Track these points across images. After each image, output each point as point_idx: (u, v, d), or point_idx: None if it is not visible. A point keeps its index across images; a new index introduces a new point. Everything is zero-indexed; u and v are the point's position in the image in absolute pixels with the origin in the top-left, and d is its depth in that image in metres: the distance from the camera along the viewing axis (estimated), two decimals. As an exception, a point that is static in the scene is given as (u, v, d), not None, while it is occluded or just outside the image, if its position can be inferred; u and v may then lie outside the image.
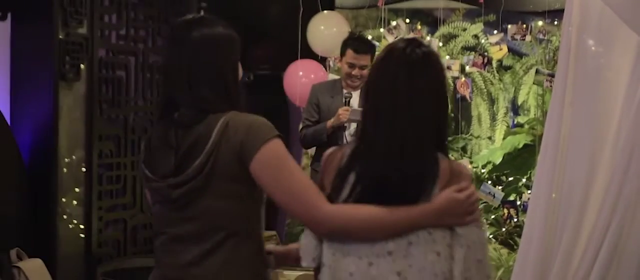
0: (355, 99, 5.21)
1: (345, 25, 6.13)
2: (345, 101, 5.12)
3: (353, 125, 5.02)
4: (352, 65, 5.19)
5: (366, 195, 2.29)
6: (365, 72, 5.20)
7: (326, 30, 5.98)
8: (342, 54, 5.26)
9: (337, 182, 2.35)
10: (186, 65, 2.38)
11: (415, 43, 2.43)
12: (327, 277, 2.31)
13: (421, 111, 2.33)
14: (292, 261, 2.50)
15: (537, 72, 8.16)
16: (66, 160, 5.34)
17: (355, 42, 5.28)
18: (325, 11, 6.01)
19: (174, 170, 2.35)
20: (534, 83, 8.24)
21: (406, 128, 2.31)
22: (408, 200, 2.27)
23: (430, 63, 2.41)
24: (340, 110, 5.07)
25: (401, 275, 2.23)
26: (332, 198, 2.32)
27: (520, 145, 8.31)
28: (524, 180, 7.92)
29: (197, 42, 2.42)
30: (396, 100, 2.33)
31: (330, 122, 5.17)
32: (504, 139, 8.61)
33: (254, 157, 2.28)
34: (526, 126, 8.61)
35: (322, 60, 6.32)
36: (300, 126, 5.53)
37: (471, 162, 6.83)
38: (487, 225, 7.36)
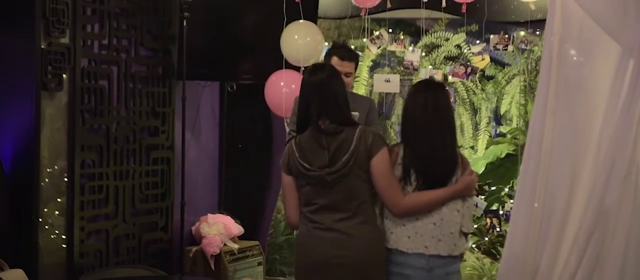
0: None
1: (319, 34, 6.13)
2: None
3: None
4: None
5: (424, 184, 3.78)
6: (350, 79, 5.20)
7: (300, 40, 5.97)
8: (327, 60, 5.26)
9: (404, 176, 3.81)
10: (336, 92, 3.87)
11: (432, 80, 4.27)
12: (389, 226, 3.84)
13: (447, 124, 3.83)
14: None
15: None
16: (48, 170, 5.32)
17: (340, 50, 5.28)
18: (300, 21, 6.00)
19: (328, 163, 3.76)
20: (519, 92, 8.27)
21: (440, 136, 3.79)
22: (446, 183, 3.78)
23: (444, 91, 3.91)
24: None
25: (436, 224, 3.78)
26: (403, 187, 3.80)
27: (503, 155, 8.34)
28: (506, 189, 7.94)
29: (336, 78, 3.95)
30: (429, 117, 3.79)
31: None
32: (486, 148, 8.63)
33: (375, 156, 3.76)
34: (508, 136, 8.63)
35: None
36: (287, 137, 5.51)
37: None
38: (470, 235, 7.38)
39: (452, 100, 7.20)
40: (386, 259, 3.81)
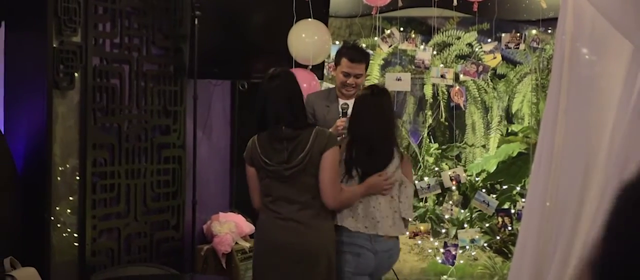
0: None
1: (327, 32, 6.12)
2: (343, 112, 5.10)
3: None
4: (347, 75, 5.18)
5: (364, 176, 4.39)
6: (360, 80, 5.19)
7: (307, 38, 5.97)
8: (337, 63, 5.24)
9: (347, 170, 4.43)
10: (291, 99, 4.25)
11: (377, 87, 4.86)
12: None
13: (386, 126, 4.51)
14: None
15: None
16: (60, 168, 5.33)
17: (351, 52, 5.26)
18: (308, 19, 6.00)
19: (286, 159, 4.18)
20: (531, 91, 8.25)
21: (377, 137, 4.46)
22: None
23: (385, 95, 4.58)
24: (338, 122, 5.05)
25: (375, 208, 4.40)
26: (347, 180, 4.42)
27: (515, 154, 8.33)
28: (518, 188, 7.93)
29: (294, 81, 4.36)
30: (371, 122, 4.45)
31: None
32: (498, 147, 8.63)
33: (326, 151, 4.17)
34: (520, 134, 8.63)
35: (319, 68, 6.31)
36: None
37: (465, 171, 6.83)
38: (481, 234, 7.37)
39: (463, 99, 7.18)
40: (338, 239, 4.37)
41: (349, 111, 5.00)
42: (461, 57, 8.55)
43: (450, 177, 6.60)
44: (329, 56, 6.62)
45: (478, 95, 8.73)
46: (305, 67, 6.01)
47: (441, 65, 8.06)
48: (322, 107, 5.35)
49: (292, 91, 4.27)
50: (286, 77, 4.34)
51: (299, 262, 4.23)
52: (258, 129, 4.36)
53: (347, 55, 5.18)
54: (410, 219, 4.69)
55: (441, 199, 8.18)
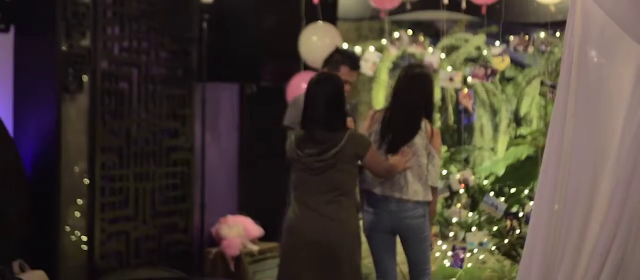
0: None
1: (338, 36, 6.13)
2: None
3: None
4: (345, 81, 5.19)
5: (392, 145, 4.83)
6: (352, 86, 5.33)
7: (319, 42, 5.98)
8: (334, 68, 5.22)
9: (381, 135, 4.85)
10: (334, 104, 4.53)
11: (419, 65, 5.38)
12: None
13: (417, 103, 4.90)
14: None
15: (541, 83, 8.15)
16: (69, 172, 5.35)
17: (352, 60, 5.32)
18: (318, 22, 6.00)
19: (317, 153, 4.43)
20: (539, 94, 8.23)
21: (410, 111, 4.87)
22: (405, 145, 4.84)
23: (427, 73, 5.06)
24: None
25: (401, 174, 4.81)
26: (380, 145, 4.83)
27: (523, 157, 8.29)
28: (526, 191, 7.89)
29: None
30: (407, 96, 4.90)
31: None
32: (506, 150, 8.59)
33: (366, 154, 4.52)
34: (529, 137, 8.59)
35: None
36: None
37: (474, 174, 6.80)
38: (490, 237, 7.34)
39: (472, 102, 7.16)
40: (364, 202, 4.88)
41: None
42: (470, 60, 8.52)
43: (459, 180, 6.58)
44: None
45: (486, 98, 8.69)
46: (316, 70, 6.02)
47: (449, 68, 8.05)
48: None
49: (331, 95, 4.50)
50: (327, 81, 4.58)
51: (323, 253, 4.44)
52: (302, 126, 4.59)
53: (349, 63, 5.23)
54: (438, 187, 5.15)
55: (449, 201, 8.16)
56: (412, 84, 4.94)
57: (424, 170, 4.90)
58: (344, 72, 5.16)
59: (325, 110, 4.47)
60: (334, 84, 4.57)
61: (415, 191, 4.88)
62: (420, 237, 4.96)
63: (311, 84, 4.58)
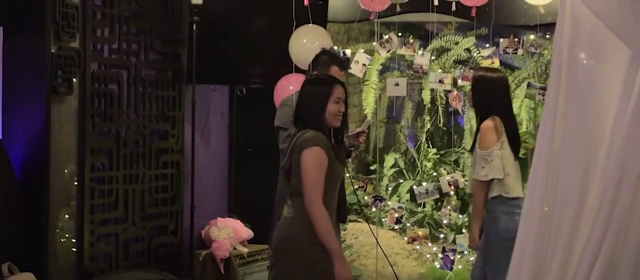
0: None
1: (328, 38, 6.13)
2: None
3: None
4: None
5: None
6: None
7: (308, 44, 5.97)
8: (325, 69, 5.21)
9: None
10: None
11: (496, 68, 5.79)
12: None
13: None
14: None
15: (529, 85, 8.18)
16: (58, 174, 5.33)
17: (341, 61, 5.32)
18: (309, 24, 6.00)
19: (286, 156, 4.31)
20: (526, 96, 8.25)
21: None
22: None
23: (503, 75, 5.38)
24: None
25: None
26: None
27: (513, 159, 8.30)
28: (516, 193, 7.90)
29: None
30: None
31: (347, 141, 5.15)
32: (496, 152, 8.60)
33: (302, 153, 4.07)
34: (518, 139, 8.61)
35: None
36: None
37: (464, 176, 6.82)
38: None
39: (461, 104, 7.19)
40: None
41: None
42: (459, 62, 8.54)
43: (449, 182, 6.59)
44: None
45: (476, 100, 8.71)
46: (305, 72, 6.01)
47: (439, 70, 8.07)
48: None
49: (304, 95, 4.29)
50: (306, 82, 4.43)
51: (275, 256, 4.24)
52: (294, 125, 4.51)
53: (339, 64, 5.24)
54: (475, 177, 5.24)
55: (439, 204, 8.17)
56: (496, 84, 5.20)
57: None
58: (335, 72, 5.16)
59: (299, 110, 4.31)
60: (309, 83, 4.40)
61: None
62: None
63: (307, 84, 4.40)
